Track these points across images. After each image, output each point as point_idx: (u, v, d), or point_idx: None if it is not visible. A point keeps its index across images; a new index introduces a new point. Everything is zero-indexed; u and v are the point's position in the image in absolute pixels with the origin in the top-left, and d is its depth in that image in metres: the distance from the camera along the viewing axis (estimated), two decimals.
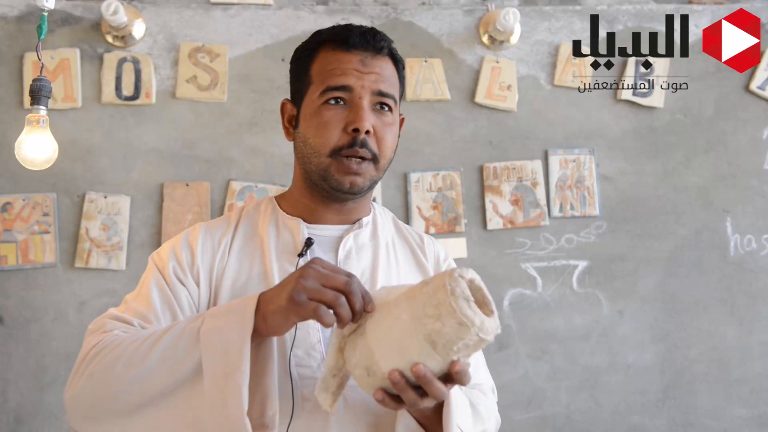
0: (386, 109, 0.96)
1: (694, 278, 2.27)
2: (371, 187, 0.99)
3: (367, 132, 0.92)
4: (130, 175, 2.13)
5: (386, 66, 0.98)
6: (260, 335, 0.78)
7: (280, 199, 1.05)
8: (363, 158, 0.93)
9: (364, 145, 0.92)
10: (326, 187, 0.96)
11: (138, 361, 0.79)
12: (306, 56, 0.98)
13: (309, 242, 0.96)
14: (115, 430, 0.82)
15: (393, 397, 0.75)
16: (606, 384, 2.22)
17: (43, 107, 1.48)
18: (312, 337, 0.91)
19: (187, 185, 2.13)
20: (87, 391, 0.82)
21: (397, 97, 0.99)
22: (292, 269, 0.93)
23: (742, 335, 2.27)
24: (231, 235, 0.99)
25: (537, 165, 2.24)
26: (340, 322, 0.74)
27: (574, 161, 2.25)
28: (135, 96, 2.13)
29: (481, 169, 2.23)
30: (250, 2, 2.18)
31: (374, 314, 0.76)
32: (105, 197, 2.10)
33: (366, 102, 0.93)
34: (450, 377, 0.73)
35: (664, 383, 2.24)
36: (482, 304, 0.75)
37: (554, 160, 2.25)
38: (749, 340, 2.27)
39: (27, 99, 2.05)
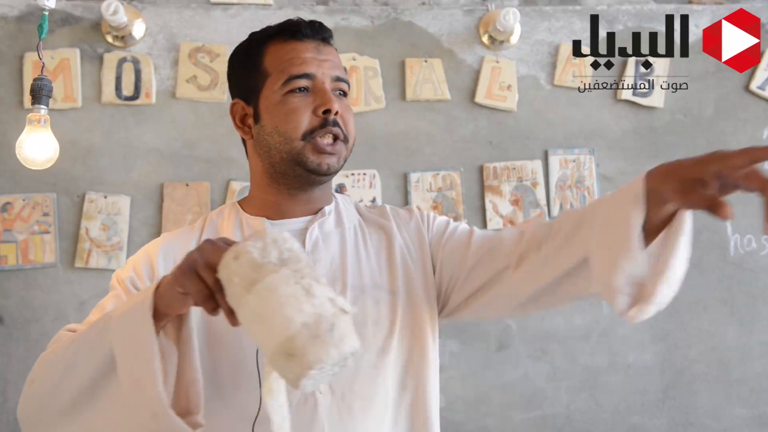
0: (343, 94, 0.99)
1: (694, 278, 2.27)
2: (339, 170, 1.00)
3: (337, 113, 0.94)
4: (130, 175, 2.13)
5: (335, 54, 1.01)
6: (162, 315, 0.78)
7: (243, 203, 1.05)
8: (336, 138, 0.95)
9: (336, 124, 0.95)
10: (299, 172, 0.96)
11: (63, 360, 0.82)
12: (254, 53, 0.99)
13: None
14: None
15: None
16: (606, 384, 2.22)
17: (44, 107, 1.48)
18: None
19: (187, 185, 2.13)
20: (28, 398, 0.85)
21: (349, 83, 1.02)
22: None
23: (742, 335, 2.27)
24: (195, 242, 1.00)
25: (537, 165, 2.24)
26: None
27: (574, 161, 2.25)
28: (135, 96, 2.13)
29: (481, 169, 2.24)
30: (250, 2, 2.18)
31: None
32: (105, 197, 2.10)
33: (328, 86, 0.96)
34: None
35: (664, 383, 2.24)
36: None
37: (554, 160, 2.25)
38: (749, 340, 2.27)
39: (27, 99, 2.07)
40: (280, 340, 0.66)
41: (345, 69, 1.04)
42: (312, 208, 1.02)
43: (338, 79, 0.97)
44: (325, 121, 0.94)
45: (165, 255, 0.97)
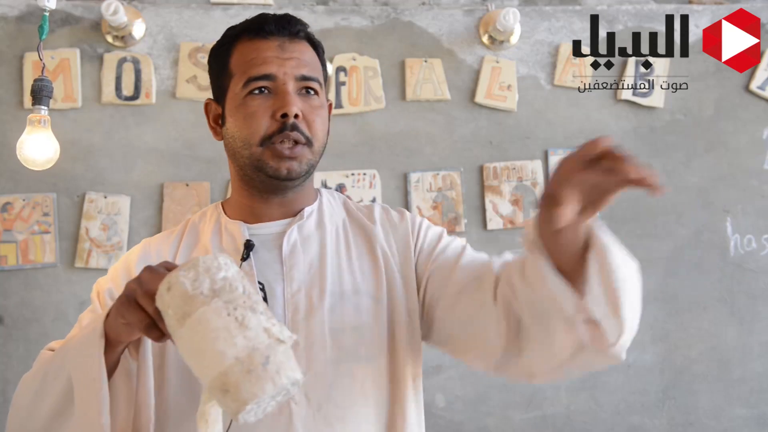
0: (312, 93, 0.93)
1: (694, 278, 2.27)
2: (309, 173, 0.95)
3: (297, 116, 0.89)
4: (130, 175, 2.12)
5: (305, 50, 0.94)
6: (114, 343, 0.78)
7: (225, 204, 1.02)
8: (296, 142, 0.90)
9: (294, 128, 0.89)
10: (263, 178, 0.92)
11: (33, 384, 0.84)
12: (223, 51, 0.96)
13: (249, 245, 0.93)
14: None
15: None
16: (606, 384, 2.22)
17: (45, 107, 1.48)
18: None
19: (187, 185, 2.13)
20: (10, 418, 0.87)
21: (321, 80, 0.96)
22: None
23: (742, 335, 2.27)
24: (176, 247, 0.98)
25: (537, 165, 2.24)
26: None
27: None
28: (135, 96, 2.13)
29: (481, 169, 2.23)
30: (250, 2, 2.18)
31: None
32: (105, 197, 2.10)
33: (291, 87, 0.90)
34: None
35: (664, 383, 2.24)
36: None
37: (554, 160, 2.25)
38: (749, 340, 2.27)
39: (27, 99, 2.07)
40: (214, 375, 0.64)
41: (324, 64, 0.99)
42: (290, 211, 0.98)
43: (304, 78, 0.92)
44: (284, 125, 0.89)
45: (145, 261, 0.93)
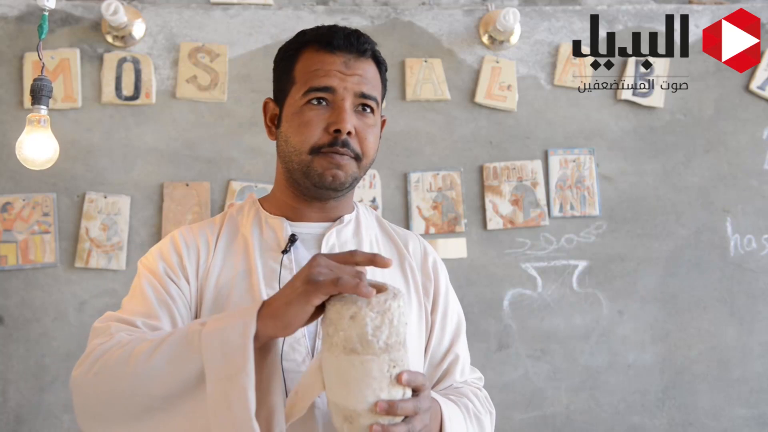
0: (368, 110, 0.96)
1: (694, 278, 2.27)
2: (352, 185, 0.99)
3: (349, 133, 0.92)
4: (130, 175, 2.13)
5: (369, 68, 0.97)
6: (268, 336, 0.76)
7: (263, 201, 1.05)
8: (345, 155, 0.94)
9: (345, 145, 0.93)
10: (308, 185, 0.96)
11: (142, 364, 0.78)
12: (290, 56, 0.99)
13: (293, 239, 0.97)
14: None
15: None
16: (606, 384, 2.22)
17: (44, 107, 1.48)
18: (296, 332, 0.91)
19: (187, 185, 2.13)
20: (93, 390, 0.81)
21: (379, 98, 0.99)
22: (276, 266, 0.94)
23: (742, 335, 2.27)
24: (216, 236, 1.00)
25: (537, 165, 2.24)
26: (365, 291, 0.73)
27: (574, 161, 2.25)
28: (135, 96, 2.13)
29: (481, 169, 2.23)
30: (250, 2, 2.18)
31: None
32: (105, 197, 2.10)
33: (348, 103, 0.93)
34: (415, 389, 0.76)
35: (664, 383, 2.24)
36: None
37: (554, 160, 2.25)
38: (749, 340, 2.27)
39: (27, 99, 2.07)
40: (348, 406, 0.72)
41: (385, 82, 1.02)
42: (330, 216, 1.02)
43: (363, 96, 0.94)
44: (335, 140, 0.92)
45: (188, 247, 0.98)
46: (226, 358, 0.73)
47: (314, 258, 0.75)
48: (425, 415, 0.77)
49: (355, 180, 0.98)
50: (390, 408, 0.72)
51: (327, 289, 0.71)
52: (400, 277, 1.02)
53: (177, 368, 0.77)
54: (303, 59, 0.97)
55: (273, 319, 0.74)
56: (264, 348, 0.78)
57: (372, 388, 0.71)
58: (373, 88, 0.96)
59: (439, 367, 1.02)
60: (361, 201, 2.16)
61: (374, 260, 0.75)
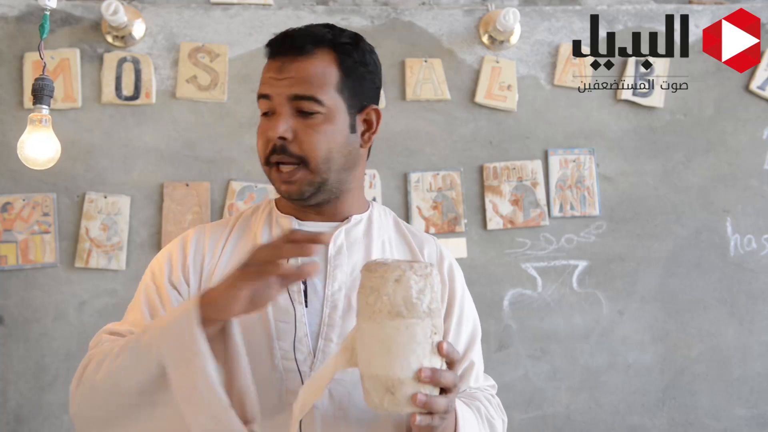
0: (307, 112, 0.91)
1: (694, 278, 2.27)
2: (320, 191, 0.94)
3: (285, 138, 0.90)
4: (130, 175, 2.13)
5: (308, 66, 0.91)
6: (213, 320, 0.77)
7: (278, 200, 1.06)
8: (289, 163, 0.92)
9: (282, 151, 0.91)
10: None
11: (113, 365, 0.81)
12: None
13: None
14: None
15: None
16: (606, 384, 2.22)
17: (46, 106, 1.48)
18: (299, 331, 0.91)
19: (187, 185, 2.13)
20: (83, 401, 0.85)
21: (324, 94, 0.91)
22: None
23: (742, 335, 2.27)
24: (226, 235, 1.01)
25: (537, 165, 2.24)
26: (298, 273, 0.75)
27: (574, 161, 2.25)
28: (135, 96, 2.13)
29: (481, 169, 2.23)
30: (250, 2, 2.18)
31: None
32: (105, 197, 2.10)
33: (285, 108, 0.91)
34: (449, 361, 0.77)
35: (664, 383, 2.24)
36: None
37: (554, 160, 2.25)
38: (749, 340, 2.27)
39: (27, 99, 2.07)
40: (391, 375, 0.72)
41: (351, 69, 0.94)
42: (337, 215, 1.01)
43: (296, 98, 0.90)
44: (273, 147, 0.92)
45: (196, 246, 0.99)
46: (177, 344, 0.76)
47: (253, 248, 0.77)
48: (455, 395, 0.79)
49: (320, 184, 0.93)
50: (433, 376, 0.73)
51: (251, 276, 0.74)
52: None
53: (140, 362, 0.79)
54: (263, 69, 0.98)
55: (210, 306, 0.77)
56: (222, 333, 0.80)
57: (416, 354, 0.72)
58: (310, 86, 0.90)
59: None
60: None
61: (315, 239, 0.75)
